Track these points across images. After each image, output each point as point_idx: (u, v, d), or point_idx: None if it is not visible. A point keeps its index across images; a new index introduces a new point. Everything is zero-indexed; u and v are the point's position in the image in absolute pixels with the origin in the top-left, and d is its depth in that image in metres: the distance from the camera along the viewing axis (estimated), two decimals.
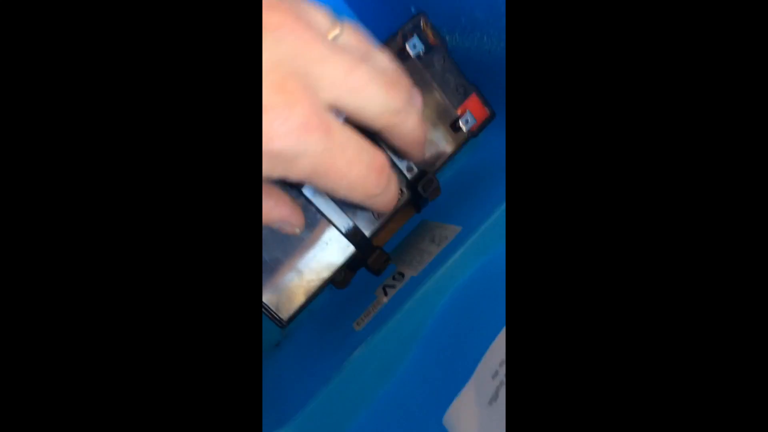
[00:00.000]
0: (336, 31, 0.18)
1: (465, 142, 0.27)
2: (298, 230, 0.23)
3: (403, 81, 0.19)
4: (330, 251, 0.25)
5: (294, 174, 0.17)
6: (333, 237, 0.25)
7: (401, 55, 0.26)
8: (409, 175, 0.26)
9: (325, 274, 0.25)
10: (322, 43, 0.17)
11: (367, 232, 0.25)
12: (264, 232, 0.24)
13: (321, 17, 0.18)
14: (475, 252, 0.23)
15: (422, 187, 0.25)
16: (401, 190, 0.26)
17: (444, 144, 0.27)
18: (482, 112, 0.27)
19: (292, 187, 0.23)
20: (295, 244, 0.24)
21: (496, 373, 0.19)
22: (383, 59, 0.20)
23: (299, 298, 0.25)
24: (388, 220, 0.26)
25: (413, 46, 0.25)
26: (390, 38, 0.26)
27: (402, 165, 0.26)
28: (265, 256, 0.24)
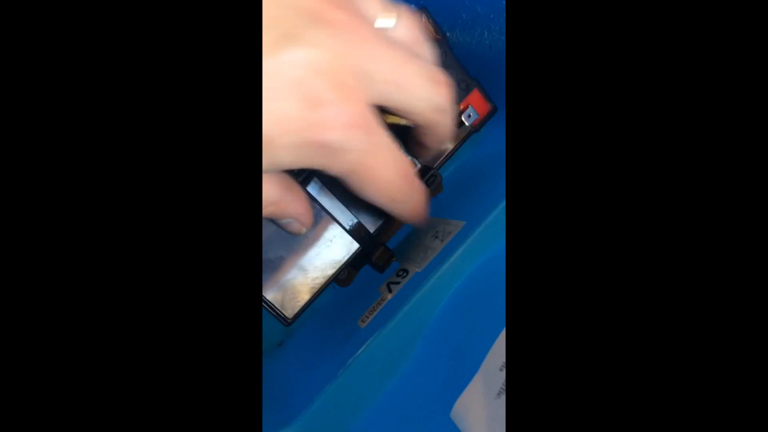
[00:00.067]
0: (392, 20, 0.18)
1: (467, 137, 0.27)
2: (304, 230, 0.23)
3: (448, 78, 0.19)
4: (334, 248, 0.25)
5: (334, 168, 0.17)
6: (337, 234, 0.25)
7: None
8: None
9: (330, 271, 0.25)
10: (378, 39, 0.17)
11: (371, 229, 0.25)
12: (268, 230, 0.24)
13: (377, 5, 0.18)
14: (480, 246, 0.23)
15: (427, 183, 0.25)
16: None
17: None
18: (484, 107, 0.27)
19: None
20: (299, 242, 0.24)
21: (503, 366, 0.19)
22: (431, 53, 0.20)
23: (303, 296, 0.25)
24: (392, 217, 0.26)
25: None
26: None
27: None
28: (270, 254, 0.24)
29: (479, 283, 0.22)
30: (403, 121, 0.20)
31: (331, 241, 0.25)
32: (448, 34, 0.27)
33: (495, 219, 0.23)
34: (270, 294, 0.24)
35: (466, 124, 0.26)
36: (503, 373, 0.18)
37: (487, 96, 0.27)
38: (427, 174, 0.25)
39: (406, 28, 0.19)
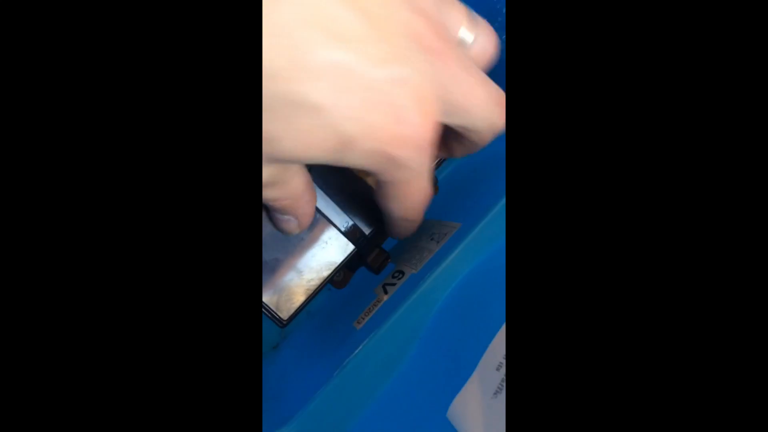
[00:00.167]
0: (472, 35, 0.19)
1: None
2: (297, 231, 0.23)
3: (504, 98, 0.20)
4: (330, 250, 0.25)
5: (384, 176, 0.18)
6: (332, 236, 0.25)
7: None
8: None
9: (325, 273, 0.25)
10: (459, 63, 0.18)
11: (366, 231, 0.25)
12: (264, 232, 0.24)
13: (461, 20, 0.19)
14: (475, 247, 0.23)
15: None
16: None
17: None
18: None
19: None
20: (295, 244, 0.24)
21: (499, 366, 0.19)
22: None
23: (299, 298, 0.25)
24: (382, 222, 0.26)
25: None
26: None
27: None
28: (265, 256, 0.24)
29: (475, 284, 0.22)
30: None
31: (326, 242, 0.25)
32: None
33: (491, 221, 0.23)
34: (265, 296, 0.24)
35: None
36: (499, 373, 0.18)
37: None
38: None
39: (482, 44, 0.20)
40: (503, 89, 0.20)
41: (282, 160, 0.17)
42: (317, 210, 0.24)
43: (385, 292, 0.26)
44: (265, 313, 0.25)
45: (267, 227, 0.24)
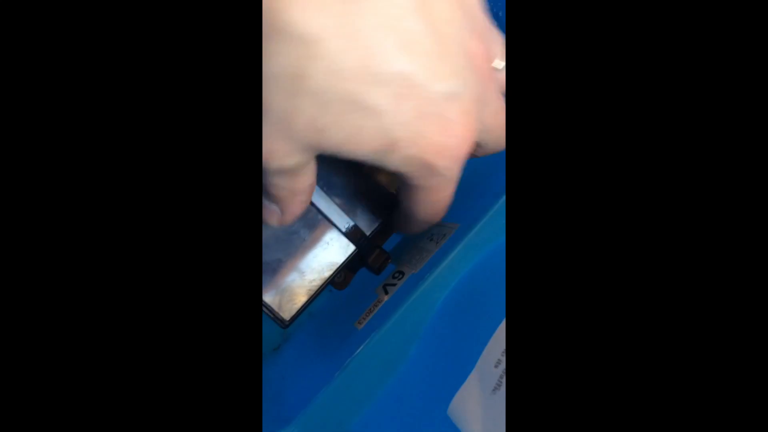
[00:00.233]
0: (502, 65, 0.21)
1: None
2: (277, 224, 0.22)
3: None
4: (331, 251, 0.25)
5: (418, 181, 0.19)
6: (334, 237, 0.25)
7: None
8: None
9: (327, 273, 0.25)
10: (496, 88, 0.20)
11: (367, 232, 0.26)
12: (266, 234, 0.24)
13: (499, 48, 0.21)
14: (475, 246, 0.23)
15: None
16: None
17: None
18: None
19: None
20: (297, 245, 0.25)
21: (498, 362, 0.19)
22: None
23: (301, 298, 0.25)
24: (388, 220, 0.26)
25: None
26: None
27: None
28: (267, 256, 0.24)
29: (473, 283, 0.23)
30: None
31: (327, 243, 0.25)
32: None
33: (489, 221, 0.24)
34: (267, 297, 0.25)
35: None
36: (498, 370, 0.19)
37: None
38: None
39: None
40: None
41: (321, 151, 0.18)
42: (319, 211, 0.24)
43: (386, 293, 0.26)
44: (267, 314, 0.25)
45: (268, 228, 0.24)
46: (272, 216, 0.22)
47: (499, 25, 0.25)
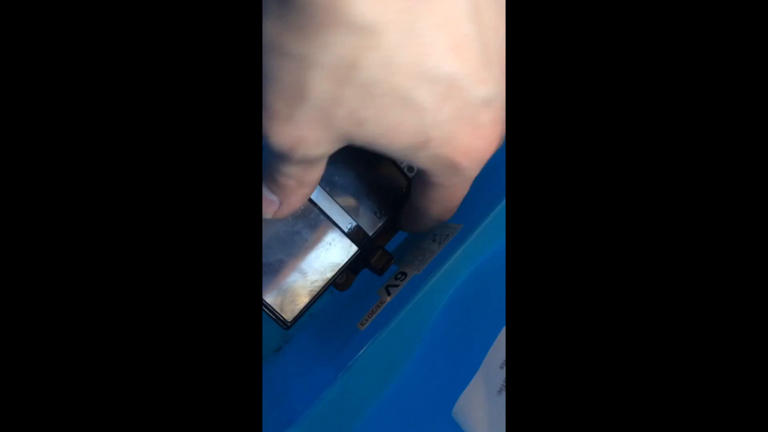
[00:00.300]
0: None
1: None
2: (270, 216, 0.22)
3: None
4: (333, 251, 0.25)
5: (440, 179, 0.20)
6: (336, 237, 0.25)
7: None
8: (410, 174, 0.26)
9: (329, 274, 0.25)
10: None
11: (369, 232, 0.26)
12: (268, 234, 0.24)
13: None
14: (478, 247, 0.23)
15: None
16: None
17: None
18: None
19: None
20: (299, 245, 0.25)
21: (503, 363, 0.19)
22: None
23: (303, 299, 0.25)
24: (390, 221, 0.26)
25: None
26: None
27: (402, 164, 0.26)
28: (269, 257, 0.24)
29: (477, 283, 0.23)
30: None
31: (330, 244, 0.25)
32: None
33: (492, 221, 0.24)
34: (269, 297, 0.24)
35: None
36: (503, 371, 0.19)
37: None
38: None
39: None
40: None
41: (352, 143, 0.18)
42: (321, 212, 0.24)
43: (388, 294, 0.26)
44: (269, 315, 0.25)
45: (271, 229, 0.24)
46: (269, 207, 0.21)
47: None
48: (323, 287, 0.25)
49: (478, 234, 0.23)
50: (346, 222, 0.25)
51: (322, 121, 0.17)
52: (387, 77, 0.16)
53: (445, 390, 0.21)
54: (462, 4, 0.16)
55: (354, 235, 0.25)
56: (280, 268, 0.24)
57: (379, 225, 0.26)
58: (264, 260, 0.24)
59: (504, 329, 0.20)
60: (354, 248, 0.25)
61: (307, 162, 0.19)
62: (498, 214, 0.24)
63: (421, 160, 0.19)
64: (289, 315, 0.25)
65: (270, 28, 0.15)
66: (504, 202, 0.23)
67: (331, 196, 0.25)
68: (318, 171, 0.20)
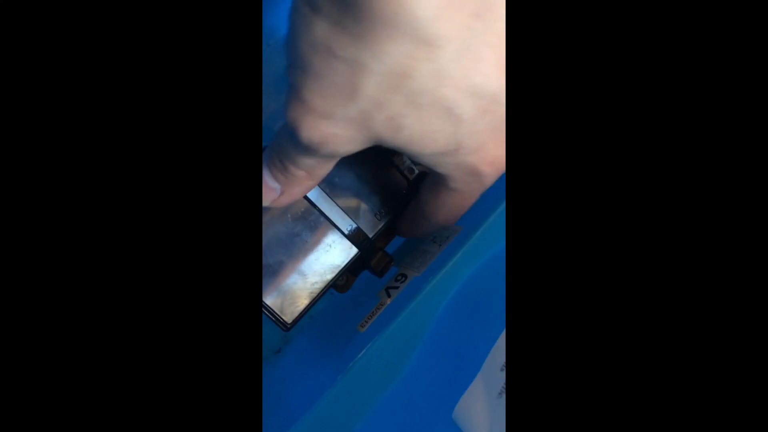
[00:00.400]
0: None
1: None
2: (268, 204, 0.22)
3: None
4: (333, 253, 0.25)
5: (457, 185, 0.21)
6: (336, 239, 0.25)
7: None
8: (410, 177, 0.26)
9: (329, 276, 0.25)
10: None
11: (369, 234, 0.26)
12: (268, 235, 0.24)
13: None
14: (478, 249, 0.23)
15: None
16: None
17: None
18: None
19: None
20: (299, 247, 0.25)
21: (504, 366, 0.19)
22: None
23: (303, 301, 0.25)
24: (390, 222, 0.26)
25: None
26: None
27: (403, 167, 0.26)
28: (269, 259, 0.24)
29: (478, 285, 0.23)
30: None
31: (330, 246, 0.25)
32: None
33: (492, 222, 0.24)
34: (269, 299, 0.24)
35: None
36: (504, 373, 0.19)
37: None
38: (424, 179, 0.26)
39: None
40: None
41: (381, 144, 0.18)
42: (321, 213, 0.24)
43: (389, 296, 0.26)
44: (269, 317, 0.25)
45: (271, 230, 0.24)
46: (269, 194, 0.21)
47: None
48: (323, 289, 0.25)
49: (479, 236, 0.23)
50: (347, 224, 0.25)
51: (362, 122, 0.17)
52: (436, 88, 0.16)
53: (446, 392, 0.21)
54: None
55: (354, 236, 0.25)
56: (280, 269, 0.24)
57: (380, 227, 0.26)
58: (264, 262, 0.24)
59: (504, 331, 0.20)
60: (354, 250, 0.25)
61: (329, 157, 0.19)
62: (498, 216, 0.24)
63: (446, 166, 0.19)
64: (288, 317, 0.25)
65: (321, 29, 0.15)
66: (504, 204, 0.23)
67: (332, 198, 0.25)
68: (330, 166, 0.20)
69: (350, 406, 0.22)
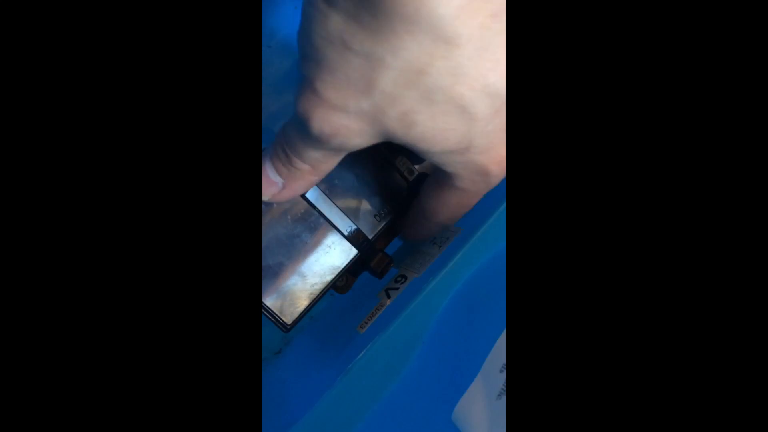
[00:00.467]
0: None
1: None
2: (268, 198, 0.22)
3: None
4: (333, 254, 0.25)
5: (463, 184, 0.21)
6: (336, 240, 0.25)
7: None
8: (410, 178, 0.26)
9: (329, 277, 0.25)
10: None
11: (369, 235, 0.26)
12: (268, 237, 0.24)
13: None
14: (478, 250, 0.23)
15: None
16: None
17: None
18: None
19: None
20: (299, 248, 0.25)
21: (503, 367, 0.19)
22: None
23: (303, 302, 0.25)
24: (390, 223, 0.26)
25: None
26: None
27: (403, 168, 0.26)
28: (269, 260, 0.24)
29: (478, 286, 0.23)
30: None
31: (330, 247, 0.25)
32: None
33: (492, 224, 0.24)
34: (269, 300, 0.24)
35: None
36: (503, 375, 0.19)
37: None
38: (423, 180, 0.26)
39: None
40: None
41: (392, 140, 0.18)
42: (321, 215, 0.24)
43: (388, 297, 0.26)
44: (269, 318, 0.25)
45: (271, 232, 0.24)
46: (270, 188, 0.21)
47: None
48: (323, 290, 0.25)
49: (478, 237, 0.23)
50: (346, 225, 0.25)
51: (375, 116, 0.17)
52: (451, 86, 0.16)
53: (445, 393, 0.21)
54: None
55: (354, 238, 0.25)
56: (280, 271, 0.24)
57: (379, 228, 0.26)
58: (264, 263, 0.24)
59: (503, 333, 0.20)
60: (354, 251, 0.25)
61: (336, 151, 0.19)
62: (497, 217, 0.24)
63: (454, 165, 0.19)
64: (288, 318, 0.25)
65: (337, 22, 0.15)
66: (504, 205, 0.23)
67: (331, 199, 0.25)
68: (335, 162, 0.20)
69: (350, 407, 0.22)
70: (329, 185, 0.25)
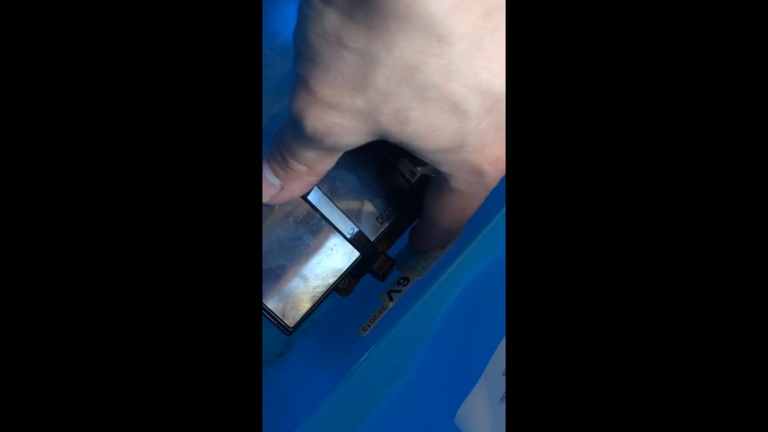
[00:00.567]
0: None
1: None
2: (267, 200, 0.22)
3: None
4: (335, 257, 0.25)
5: (460, 186, 0.20)
6: (338, 243, 0.25)
7: None
8: (412, 180, 0.26)
9: (331, 279, 0.25)
10: None
11: (371, 238, 0.26)
12: (270, 239, 0.24)
13: None
14: (480, 252, 0.23)
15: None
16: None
17: None
18: None
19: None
20: (301, 251, 0.24)
21: (506, 371, 0.19)
22: None
23: (305, 305, 0.25)
24: (392, 225, 0.26)
25: None
26: None
27: (405, 170, 0.26)
28: (271, 263, 0.24)
29: (480, 289, 0.23)
30: None
31: (332, 249, 0.25)
32: None
33: (494, 226, 0.24)
34: (271, 303, 0.24)
35: None
36: (506, 378, 0.19)
37: None
38: (426, 182, 0.26)
39: None
40: None
41: (386, 138, 0.18)
42: (323, 217, 0.24)
43: (391, 299, 0.26)
44: (271, 321, 0.25)
45: (273, 234, 0.24)
46: (269, 190, 0.21)
47: None
48: (325, 293, 0.25)
49: (481, 239, 0.23)
50: (348, 227, 0.25)
51: (367, 114, 0.17)
52: (444, 83, 0.16)
53: (448, 397, 0.20)
54: None
55: (356, 240, 0.25)
56: (282, 273, 0.24)
57: (381, 230, 0.26)
58: (266, 265, 0.24)
59: (506, 336, 0.20)
60: (356, 254, 0.25)
61: (331, 150, 0.19)
62: (499, 220, 0.24)
63: (448, 164, 0.19)
64: (291, 321, 0.25)
65: (332, 20, 0.16)
66: (504, 209, 0.23)
67: (333, 202, 0.25)
68: (332, 162, 0.20)
69: (352, 410, 0.22)
70: (331, 187, 0.25)
